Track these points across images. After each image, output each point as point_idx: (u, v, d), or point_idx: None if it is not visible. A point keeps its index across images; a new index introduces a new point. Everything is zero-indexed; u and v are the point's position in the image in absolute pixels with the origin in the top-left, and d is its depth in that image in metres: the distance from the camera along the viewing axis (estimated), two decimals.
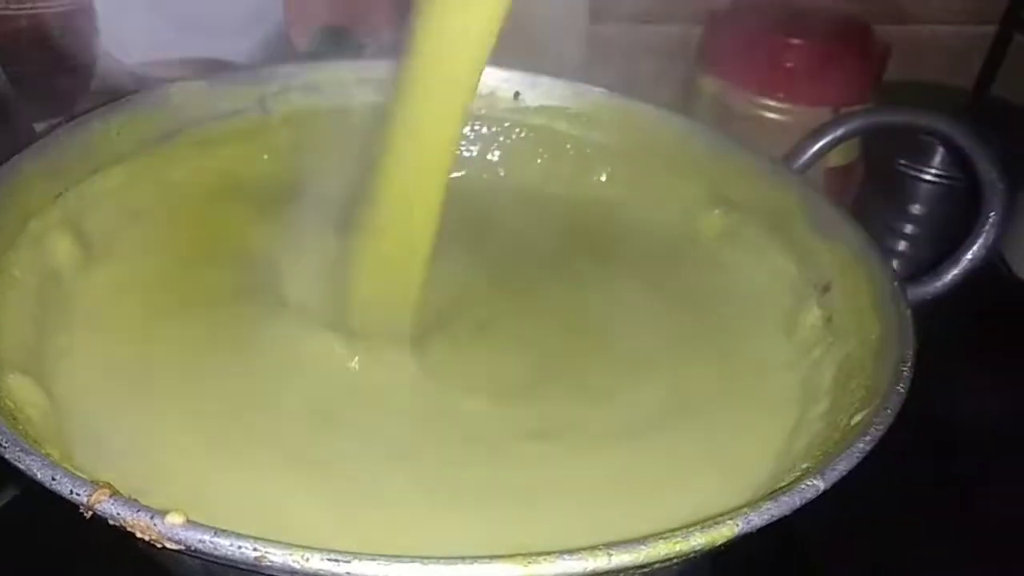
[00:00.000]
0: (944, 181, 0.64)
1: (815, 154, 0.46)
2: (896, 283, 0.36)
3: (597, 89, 0.50)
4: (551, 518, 0.31)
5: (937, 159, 0.65)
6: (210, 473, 0.31)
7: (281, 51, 0.70)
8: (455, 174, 0.49)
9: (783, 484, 0.26)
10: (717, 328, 0.41)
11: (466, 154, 0.51)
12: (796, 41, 0.63)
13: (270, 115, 0.48)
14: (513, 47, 0.71)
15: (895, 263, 0.69)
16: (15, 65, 0.55)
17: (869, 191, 0.68)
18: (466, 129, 0.51)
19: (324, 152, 0.49)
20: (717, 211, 0.47)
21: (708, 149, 0.48)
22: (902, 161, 0.64)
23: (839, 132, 0.47)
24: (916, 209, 0.68)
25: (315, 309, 0.39)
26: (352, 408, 0.35)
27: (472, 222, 0.46)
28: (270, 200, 0.45)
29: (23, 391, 0.31)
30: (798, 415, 0.35)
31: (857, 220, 0.40)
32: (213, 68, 0.69)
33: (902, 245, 0.69)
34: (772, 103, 0.64)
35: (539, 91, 0.51)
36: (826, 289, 0.40)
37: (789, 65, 0.64)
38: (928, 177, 0.65)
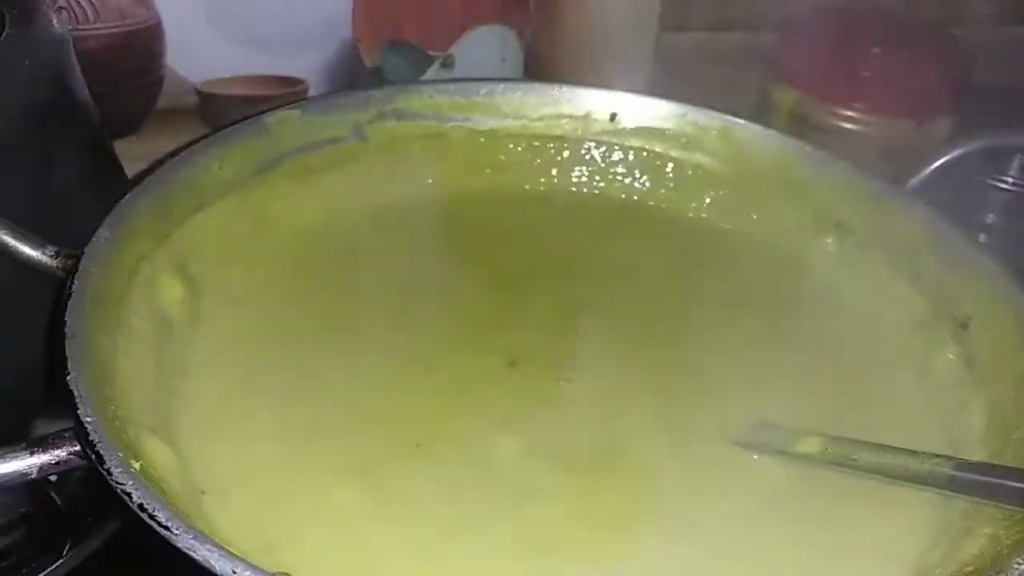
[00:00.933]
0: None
1: (933, 173, 0.45)
2: None
3: (696, 109, 0.48)
4: None
5: (1015, 166, 0.63)
6: (369, 543, 0.30)
7: (350, 67, 0.68)
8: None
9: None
10: (840, 371, 0.40)
11: (573, 176, 0.50)
12: (874, 49, 0.62)
13: (367, 142, 0.47)
14: (583, 58, 0.70)
15: None
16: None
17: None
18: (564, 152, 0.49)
19: (423, 179, 0.48)
20: (830, 239, 0.45)
21: (816, 170, 0.46)
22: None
23: (957, 152, 0.45)
24: (991, 219, 0.66)
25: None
26: None
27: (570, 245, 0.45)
28: (373, 231, 0.44)
29: (160, 455, 0.30)
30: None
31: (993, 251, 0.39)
32: (281, 85, 0.68)
33: None
34: (851, 114, 0.62)
35: (636, 111, 0.49)
36: (963, 326, 0.38)
37: (867, 74, 0.62)
38: (1005, 186, 0.64)
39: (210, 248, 0.40)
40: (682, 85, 0.73)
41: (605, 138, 0.49)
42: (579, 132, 0.49)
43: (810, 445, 0.33)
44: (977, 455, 0.33)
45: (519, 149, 0.49)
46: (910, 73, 0.63)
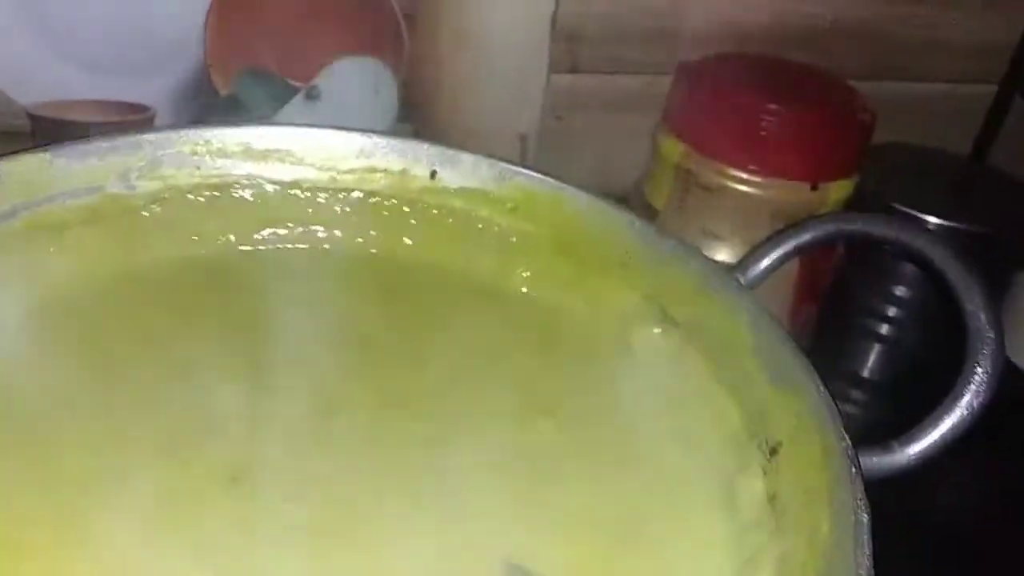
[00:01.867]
0: None
1: (768, 268, 0.39)
2: (851, 462, 0.28)
3: (525, 171, 0.43)
4: None
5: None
6: None
7: (204, 94, 0.63)
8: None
9: None
10: (630, 494, 0.34)
11: (377, 236, 0.44)
12: (772, 105, 0.56)
13: (134, 192, 0.40)
14: (465, 100, 0.65)
15: (873, 354, 0.63)
16: None
17: (850, 268, 0.61)
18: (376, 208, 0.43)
19: (206, 236, 0.42)
20: (657, 329, 0.39)
21: (649, 251, 0.41)
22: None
23: (799, 241, 0.40)
24: (901, 291, 0.61)
25: None
26: None
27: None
28: (120, 300, 0.38)
29: None
30: None
31: (812, 348, 0.33)
32: (126, 111, 0.62)
33: (885, 329, 0.62)
34: (742, 175, 0.57)
35: (459, 170, 0.43)
36: (774, 452, 0.32)
37: (763, 133, 0.56)
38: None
39: None
40: (574, 132, 0.68)
41: (425, 197, 0.43)
42: (395, 188, 0.43)
43: None
44: None
45: (323, 204, 0.43)
46: (808, 132, 0.57)
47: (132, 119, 0.61)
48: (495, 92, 0.65)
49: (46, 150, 0.39)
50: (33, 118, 0.61)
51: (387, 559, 0.30)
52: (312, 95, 0.62)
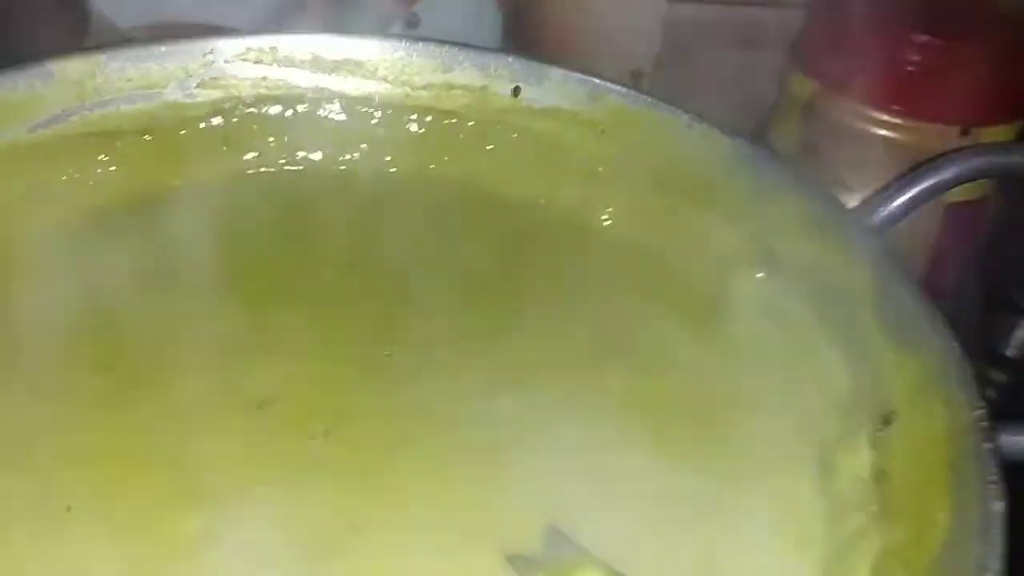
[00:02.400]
0: None
1: (901, 210, 0.33)
2: (984, 436, 0.22)
3: (619, 88, 0.38)
4: None
5: None
6: None
7: (299, 19, 0.60)
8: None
9: None
10: (723, 449, 0.29)
11: (451, 162, 0.40)
12: (920, 36, 0.49)
13: (194, 100, 0.38)
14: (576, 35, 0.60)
15: (1019, 331, 0.55)
16: None
17: (1003, 235, 0.53)
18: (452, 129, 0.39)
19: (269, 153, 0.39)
20: (760, 274, 0.34)
21: (760, 184, 0.35)
22: None
23: (941, 178, 0.33)
24: None
25: None
26: None
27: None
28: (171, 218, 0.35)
29: None
30: None
31: (948, 321, 0.27)
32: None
33: None
34: (882, 116, 0.50)
35: (546, 87, 0.38)
36: (886, 421, 0.26)
37: (909, 68, 0.49)
38: None
39: None
40: (693, 70, 0.62)
41: (506, 118, 0.39)
42: (473, 108, 0.39)
43: None
44: None
45: (393, 123, 0.39)
46: (962, 68, 0.49)
47: None
48: (607, 23, 0.60)
49: (102, 52, 0.36)
50: (130, 40, 0.59)
51: (420, 508, 0.26)
52: (412, 22, 0.59)
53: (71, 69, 0.36)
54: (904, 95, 0.50)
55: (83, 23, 0.59)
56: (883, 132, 0.50)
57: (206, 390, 0.29)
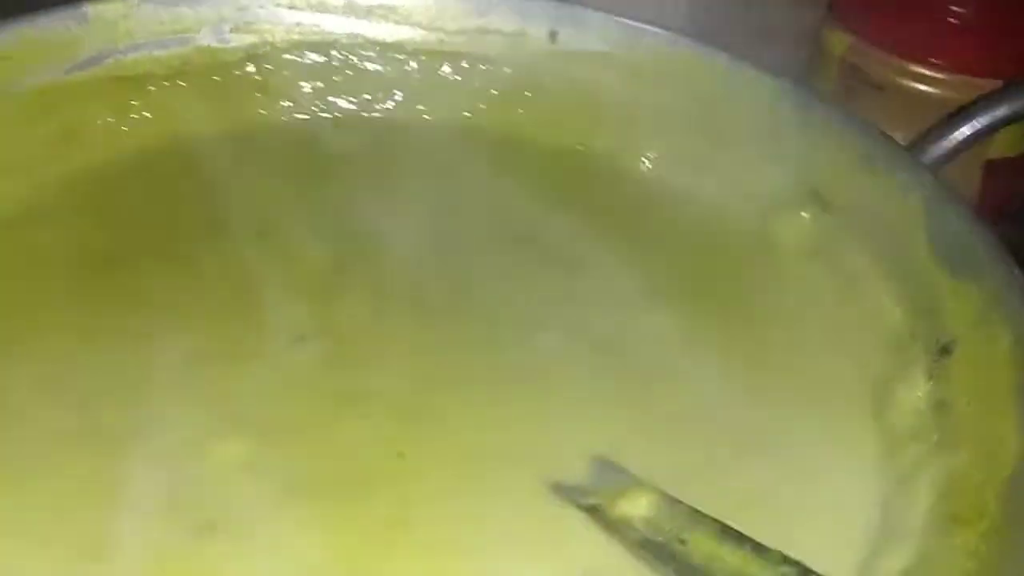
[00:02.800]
0: None
1: (961, 143, 0.32)
2: None
3: (659, 30, 0.37)
4: None
5: None
6: None
7: None
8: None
9: None
10: (774, 385, 0.28)
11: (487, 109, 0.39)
12: None
13: (227, 46, 0.37)
14: None
15: None
16: None
17: None
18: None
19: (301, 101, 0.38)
20: (805, 213, 0.33)
21: (804, 123, 0.34)
22: None
23: (998, 113, 0.32)
24: None
25: None
26: None
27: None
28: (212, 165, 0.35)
29: None
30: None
31: (1010, 249, 0.26)
32: None
33: None
34: (922, 70, 0.48)
35: (583, 31, 0.38)
36: (945, 351, 0.26)
37: (951, 20, 0.48)
38: None
39: None
40: (723, 24, 0.61)
41: (542, 63, 0.38)
42: (509, 53, 0.38)
43: (635, 503, 0.22)
44: (903, 555, 0.21)
45: (428, 70, 0.39)
46: (1008, 18, 0.48)
47: None
48: None
49: None
50: None
51: (467, 436, 0.26)
52: None
53: (105, 11, 0.35)
54: (943, 48, 0.48)
55: None
56: (922, 87, 0.49)
57: (243, 327, 0.29)
